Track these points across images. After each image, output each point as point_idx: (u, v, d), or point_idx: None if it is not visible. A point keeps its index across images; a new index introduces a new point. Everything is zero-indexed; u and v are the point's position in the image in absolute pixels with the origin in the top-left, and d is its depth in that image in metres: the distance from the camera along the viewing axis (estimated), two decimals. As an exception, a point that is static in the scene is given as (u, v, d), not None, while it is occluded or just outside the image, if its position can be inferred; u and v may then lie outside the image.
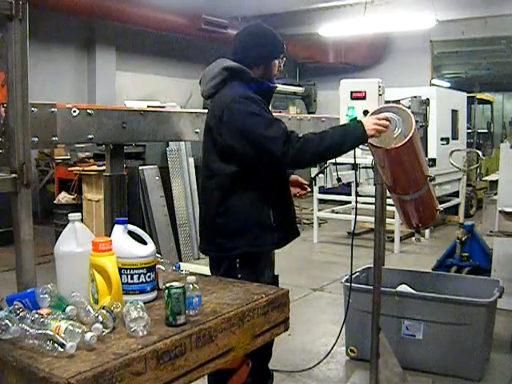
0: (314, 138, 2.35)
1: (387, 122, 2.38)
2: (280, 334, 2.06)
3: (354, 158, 2.80)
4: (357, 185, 6.30)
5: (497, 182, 4.89)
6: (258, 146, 2.36)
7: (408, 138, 2.39)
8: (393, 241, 6.88)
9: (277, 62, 2.59)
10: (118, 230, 2.01)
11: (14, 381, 1.48)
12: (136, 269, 1.93)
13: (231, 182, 2.46)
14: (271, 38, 2.60)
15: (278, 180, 2.58)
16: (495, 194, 4.76)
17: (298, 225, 2.85)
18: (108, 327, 1.63)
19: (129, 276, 1.92)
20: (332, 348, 3.55)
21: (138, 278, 1.92)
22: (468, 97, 9.99)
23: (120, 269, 1.88)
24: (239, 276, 2.46)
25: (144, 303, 1.76)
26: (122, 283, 1.86)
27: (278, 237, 2.54)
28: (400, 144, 2.39)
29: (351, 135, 2.37)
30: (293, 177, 2.80)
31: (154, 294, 1.97)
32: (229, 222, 2.49)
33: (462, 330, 3.34)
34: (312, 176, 7.00)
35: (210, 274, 2.52)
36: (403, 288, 3.67)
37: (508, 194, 4.51)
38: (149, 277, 1.95)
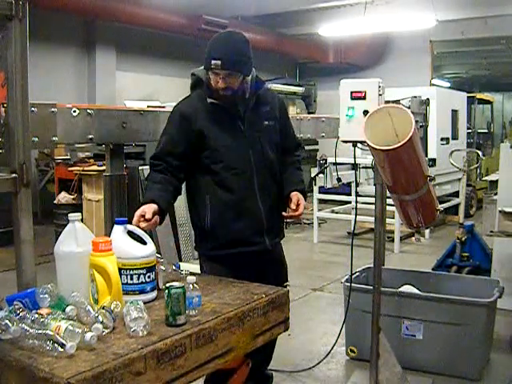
0: (150, 175, 2.57)
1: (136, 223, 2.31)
2: (280, 334, 2.06)
3: (354, 158, 2.81)
4: (357, 185, 6.29)
5: (497, 182, 4.89)
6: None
7: (408, 138, 2.39)
8: (393, 241, 6.87)
9: (211, 74, 2.49)
10: (118, 230, 2.02)
11: (13, 381, 1.48)
12: (136, 269, 1.93)
13: (186, 184, 2.70)
14: (208, 48, 2.50)
15: (223, 185, 2.53)
16: (495, 194, 4.76)
17: (298, 224, 2.82)
18: (108, 327, 1.63)
19: (129, 276, 1.92)
20: (332, 348, 3.54)
21: (138, 279, 1.93)
22: (468, 97, 9.99)
23: (120, 269, 1.88)
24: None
25: (144, 303, 1.76)
26: (122, 283, 1.86)
27: (214, 244, 2.57)
28: (400, 144, 2.39)
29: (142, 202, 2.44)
30: (292, 194, 2.62)
31: (154, 294, 1.97)
32: (191, 221, 2.75)
33: (462, 330, 3.34)
34: (312, 176, 7.00)
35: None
36: (407, 288, 3.66)
37: (508, 194, 4.51)
38: (148, 277, 1.95)
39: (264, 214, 2.57)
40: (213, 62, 2.44)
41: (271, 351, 2.83)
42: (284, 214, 2.63)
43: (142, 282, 1.93)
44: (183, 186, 2.70)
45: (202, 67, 2.57)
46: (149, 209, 2.33)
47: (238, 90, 2.51)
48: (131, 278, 1.92)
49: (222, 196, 2.53)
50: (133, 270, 1.92)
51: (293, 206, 2.57)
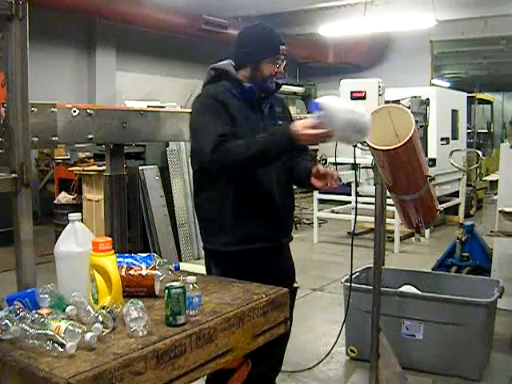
0: (241, 145, 2.30)
1: (317, 132, 2.16)
2: (280, 334, 2.06)
3: (354, 158, 2.80)
4: (357, 185, 6.30)
5: (497, 182, 4.90)
6: (194, 146, 2.44)
7: (408, 138, 2.39)
8: (393, 241, 6.88)
9: (268, 63, 2.48)
10: None
11: (14, 381, 1.48)
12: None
13: (198, 179, 2.54)
14: (261, 38, 2.50)
15: (246, 179, 2.46)
16: (495, 194, 4.77)
17: (298, 225, 2.81)
18: (108, 327, 1.63)
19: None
20: (332, 348, 3.54)
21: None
22: (468, 97, 9.99)
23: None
24: (213, 273, 2.49)
25: (144, 303, 1.75)
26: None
27: (234, 239, 2.46)
28: (400, 144, 2.39)
29: (277, 144, 2.29)
30: (314, 169, 2.46)
31: None
32: (200, 217, 2.61)
33: (462, 330, 3.34)
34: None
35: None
36: (408, 288, 3.66)
37: (508, 194, 4.51)
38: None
39: (281, 212, 2.55)
40: (282, 46, 2.49)
41: (280, 359, 2.78)
42: (319, 184, 2.44)
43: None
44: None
45: (223, 62, 2.54)
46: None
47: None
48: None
49: (245, 190, 2.46)
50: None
51: (323, 171, 2.42)
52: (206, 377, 2.28)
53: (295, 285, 2.71)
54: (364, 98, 2.74)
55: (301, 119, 2.55)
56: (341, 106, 2.16)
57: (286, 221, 2.61)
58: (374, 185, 2.94)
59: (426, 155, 3.21)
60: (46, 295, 1.76)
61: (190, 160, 2.64)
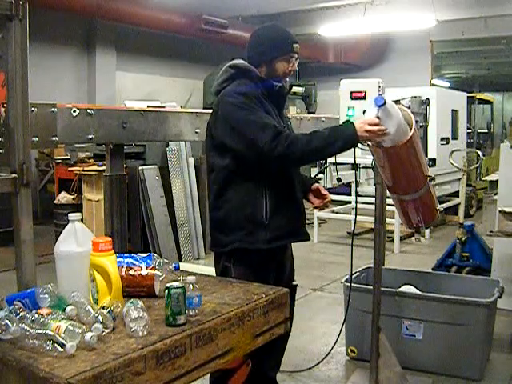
0: (303, 138, 2.34)
1: (379, 128, 2.29)
2: (280, 334, 2.06)
3: (354, 158, 2.80)
4: (357, 185, 6.29)
5: (497, 181, 4.90)
6: (247, 139, 2.36)
7: (408, 137, 2.39)
8: (393, 241, 6.87)
9: (282, 61, 2.55)
10: None
11: (14, 381, 1.48)
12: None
13: (226, 176, 2.47)
14: (273, 38, 2.56)
15: (277, 176, 2.49)
16: (495, 194, 4.76)
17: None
18: (108, 327, 1.63)
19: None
20: (332, 348, 3.54)
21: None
22: (468, 97, 9.98)
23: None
24: (233, 274, 2.45)
25: (144, 303, 1.75)
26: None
27: (271, 235, 2.46)
28: (400, 144, 2.39)
29: (341, 137, 2.33)
30: (314, 186, 2.69)
31: None
32: (224, 216, 2.49)
33: (462, 330, 3.34)
34: (312, 176, 6.99)
35: (209, 274, 2.52)
36: (407, 288, 3.66)
37: (508, 194, 4.51)
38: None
39: (301, 207, 2.62)
40: (295, 45, 2.56)
41: (280, 357, 2.80)
42: (316, 202, 2.67)
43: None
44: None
45: (240, 60, 2.57)
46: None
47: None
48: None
49: (276, 187, 2.49)
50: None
51: (323, 192, 2.65)
52: (209, 377, 2.29)
53: (294, 282, 2.72)
54: (364, 98, 2.74)
55: (301, 119, 2.58)
56: (396, 108, 2.24)
57: (304, 217, 2.67)
58: (374, 185, 2.94)
59: (426, 155, 3.20)
60: (46, 295, 1.76)
61: (210, 159, 2.55)
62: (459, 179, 7.33)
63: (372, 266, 3.04)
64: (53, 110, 2.54)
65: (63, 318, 1.60)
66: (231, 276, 2.44)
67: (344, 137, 2.32)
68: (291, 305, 2.43)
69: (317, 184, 2.68)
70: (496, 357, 3.65)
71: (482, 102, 11.69)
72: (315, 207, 2.72)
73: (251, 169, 2.45)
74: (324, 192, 2.67)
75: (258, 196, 2.45)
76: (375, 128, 2.27)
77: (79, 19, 9.22)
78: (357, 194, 5.23)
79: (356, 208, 3.68)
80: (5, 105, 2.12)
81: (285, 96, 2.67)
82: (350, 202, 7.98)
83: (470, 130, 10.32)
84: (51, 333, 1.50)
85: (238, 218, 2.46)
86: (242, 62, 2.57)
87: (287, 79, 2.64)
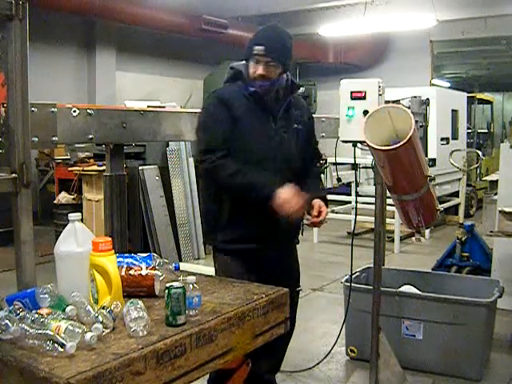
0: (231, 168, 2.40)
1: (295, 208, 2.31)
2: (280, 334, 2.06)
3: (354, 158, 2.81)
4: (357, 185, 6.30)
5: (497, 181, 4.90)
6: (195, 142, 2.60)
7: (408, 138, 2.39)
8: (393, 241, 6.88)
9: (251, 64, 2.50)
10: None
11: (14, 381, 1.48)
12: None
13: (203, 175, 2.65)
14: (250, 39, 2.54)
15: None
16: (495, 194, 4.77)
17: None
18: (108, 327, 1.63)
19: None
20: (332, 348, 3.54)
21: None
22: (468, 97, 9.99)
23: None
24: (216, 267, 2.61)
25: (144, 303, 1.75)
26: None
27: (230, 237, 2.51)
28: (400, 144, 2.39)
29: (259, 192, 2.37)
30: (314, 201, 2.56)
31: None
32: (203, 212, 2.71)
33: (462, 330, 3.34)
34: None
35: (209, 274, 2.52)
36: (408, 288, 3.66)
37: (508, 194, 4.51)
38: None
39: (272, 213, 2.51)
40: (255, 47, 2.45)
41: (281, 358, 2.80)
42: (305, 221, 2.59)
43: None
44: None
45: (242, 62, 2.57)
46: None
47: (274, 83, 2.50)
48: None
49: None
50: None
51: (315, 213, 2.54)
52: (208, 375, 2.29)
53: (298, 289, 2.71)
54: (364, 98, 2.73)
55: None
56: None
57: (287, 225, 2.52)
58: (374, 185, 2.94)
59: (426, 155, 3.19)
60: (46, 295, 1.76)
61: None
62: (459, 179, 7.33)
63: (372, 266, 3.04)
64: (53, 109, 2.53)
65: (63, 318, 1.60)
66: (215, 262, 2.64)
67: (260, 193, 2.37)
68: (293, 309, 2.44)
69: (315, 200, 2.56)
70: (496, 357, 3.65)
71: (482, 102, 11.69)
72: (308, 224, 2.62)
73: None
74: (314, 212, 2.54)
75: (221, 197, 2.53)
76: (286, 205, 2.31)
77: (79, 19, 9.21)
78: (357, 194, 5.24)
79: (356, 208, 3.69)
80: (5, 105, 2.11)
81: (274, 100, 2.56)
82: (350, 202, 7.98)
83: (470, 130, 10.32)
84: (51, 333, 1.50)
85: (205, 215, 2.67)
86: (240, 63, 2.59)
87: (288, 82, 2.59)
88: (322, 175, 6.87)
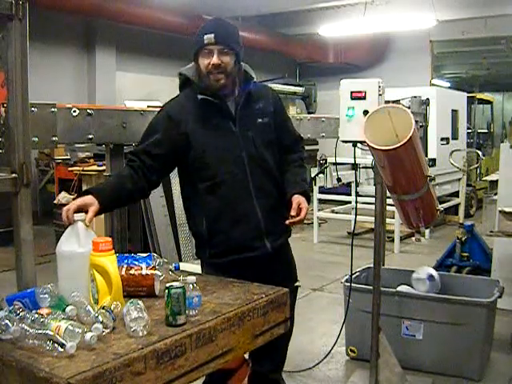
0: (117, 175, 2.53)
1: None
2: (280, 334, 2.06)
3: (354, 158, 2.81)
4: (357, 185, 6.30)
5: (497, 181, 4.90)
6: None
7: (408, 138, 2.39)
8: (393, 241, 6.87)
9: (201, 57, 2.35)
10: None
11: (14, 381, 1.48)
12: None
13: (181, 191, 2.62)
14: (196, 33, 2.37)
15: (211, 193, 2.41)
16: (495, 194, 4.76)
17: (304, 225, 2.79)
18: (108, 327, 1.63)
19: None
20: (332, 348, 3.54)
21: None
22: (468, 97, 9.98)
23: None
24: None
25: (144, 303, 1.75)
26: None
27: (212, 252, 2.47)
28: (400, 144, 2.39)
29: None
30: (293, 198, 2.40)
31: None
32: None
33: (462, 330, 3.34)
34: (312, 176, 7.00)
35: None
36: (403, 288, 3.66)
37: (508, 194, 4.51)
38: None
39: (262, 217, 2.42)
40: (205, 36, 2.30)
41: (284, 356, 2.77)
42: (286, 222, 2.40)
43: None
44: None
45: (190, 65, 2.47)
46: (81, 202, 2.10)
47: (229, 76, 2.36)
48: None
49: (214, 203, 2.41)
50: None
51: (292, 212, 2.35)
52: (205, 377, 2.28)
53: (296, 284, 2.70)
54: (364, 98, 2.73)
55: (301, 119, 2.56)
56: None
57: (271, 226, 2.45)
58: (374, 185, 2.94)
59: (426, 155, 3.20)
60: (46, 295, 1.76)
61: None
62: (459, 179, 7.33)
63: (372, 266, 3.04)
64: (53, 109, 2.53)
65: (63, 318, 1.60)
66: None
67: None
68: (292, 305, 2.41)
69: (294, 196, 2.39)
70: (496, 357, 3.65)
71: (481, 102, 11.69)
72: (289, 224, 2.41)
73: (182, 187, 2.59)
74: (292, 212, 2.35)
75: (196, 213, 2.49)
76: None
77: (79, 19, 9.21)
78: (357, 194, 5.23)
79: (356, 208, 3.68)
80: (5, 105, 2.12)
81: (229, 98, 2.42)
82: (350, 202, 7.98)
83: (470, 130, 10.32)
84: (51, 333, 1.50)
85: (191, 232, 2.66)
86: (188, 67, 2.49)
87: (241, 73, 2.44)
88: (322, 175, 6.88)
